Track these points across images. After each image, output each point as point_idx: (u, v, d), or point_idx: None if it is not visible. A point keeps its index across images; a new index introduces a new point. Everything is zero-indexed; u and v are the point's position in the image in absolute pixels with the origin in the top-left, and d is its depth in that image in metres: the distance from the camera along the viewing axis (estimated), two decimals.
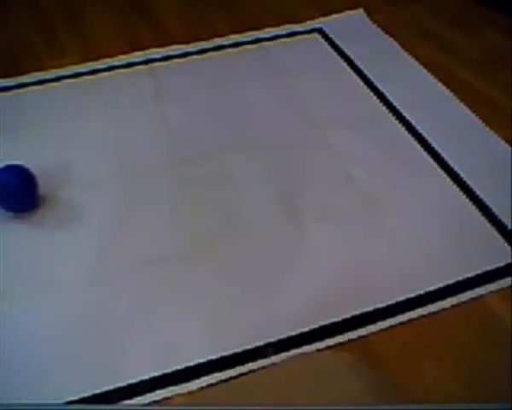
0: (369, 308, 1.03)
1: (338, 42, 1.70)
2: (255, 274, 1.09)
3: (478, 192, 1.23)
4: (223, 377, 0.93)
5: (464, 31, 1.74)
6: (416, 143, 1.35)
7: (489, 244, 1.13)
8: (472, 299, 1.05)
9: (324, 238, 1.15)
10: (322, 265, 1.10)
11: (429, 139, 1.36)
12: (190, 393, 0.92)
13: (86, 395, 0.92)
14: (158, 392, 0.92)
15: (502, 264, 1.10)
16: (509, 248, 1.12)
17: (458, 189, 1.24)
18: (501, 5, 1.79)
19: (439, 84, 1.53)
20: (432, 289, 1.06)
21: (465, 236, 1.15)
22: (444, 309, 1.03)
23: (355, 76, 1.57)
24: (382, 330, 1.00)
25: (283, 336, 0.99)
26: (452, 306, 1.03)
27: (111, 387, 0.93)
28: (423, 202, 1.22)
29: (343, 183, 1.27)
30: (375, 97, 1.50)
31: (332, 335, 0.99)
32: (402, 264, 1.10)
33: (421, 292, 1.05)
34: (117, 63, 1.64)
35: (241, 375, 0.93)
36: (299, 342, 0.98)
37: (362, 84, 1.54)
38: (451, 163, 1.30)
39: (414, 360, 0.96)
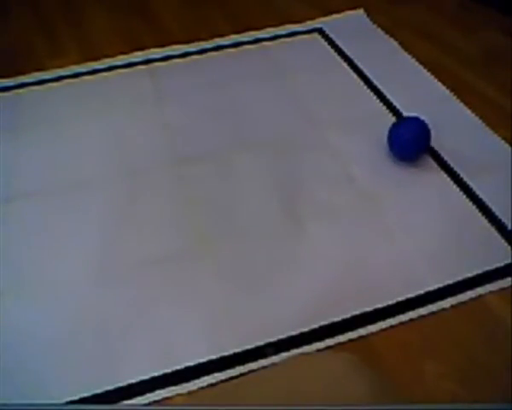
0: (369, 308, 1.03)
1: (338, 42, 1.70)
2: (255, 274, 1.09)
3: (478, 192, 1.23)
4: (223, 377, 0.93)
5: (464, 30, 1.74)
6: None
7: (489, 244, 1.13)
8: (472, 299, 1.05)
9: (324, 238, 1.15)
10: (322, 265, 1.10)
11: None
12: (190, 393, 0.92)
13: (86, 395, 0.92)
14: (158, 392, 0.92)
15: (502, 264, 1.10)
16: (509, 248, 1.12)
17: (458, 189, 1.25)
18: (500, 5, 1.79)
19: (439, 84, 1.53)
20: (432, 289, 1.06)
21: (465, 236, 1.15)
22: (444, 309, 1.03)
23: (355, 76, 1.57)
24: (382, 330, 1.00)
25: (283, 336, 0.99)
26: (452, 306, 1.03)
27: (111, 387, 0.93)
28: (423, 201, 1.22)
29: (343, 183, 1.27)
30: (374, 97, 1.50)
31: (332, 335, 0.99)
32: (402, 264, 1.10)
33: (421, 292, 1.05)
34: (117, 63, 1.64)
35: (241, 375, 0.93)
36: (299, 342, 0.98)
37: (362, 84, 1.54)
38: (451, 163, 1.30)
39: (414, 359, 0.96)
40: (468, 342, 0.98)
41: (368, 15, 1.82)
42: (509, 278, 1.07)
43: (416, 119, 1.28)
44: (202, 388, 0.92)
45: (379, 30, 1.75)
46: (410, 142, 1.28)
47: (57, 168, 1.32)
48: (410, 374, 0.94)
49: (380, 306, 1.03)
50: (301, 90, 1.54)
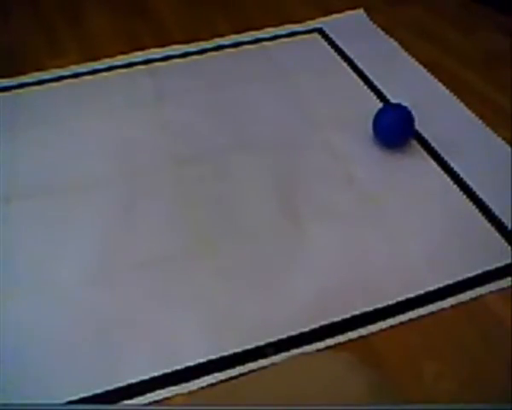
0: (369, 308, 1.03)
1: (338, 42, 1.70)
2: (255, 274, 1.09)
3: (478, 192, 1.23)
4: (223, 377, 0.93)
5: (464, 30, 1.74)
6: (415, 142, 1.36)
7: (489, 244, 1.13)
8: (472, 299, 1.05)
9: (324, 238, 1.15)
10: (323, 265, 1.10)
11: (429, 139, 1.36)
12: (190, 393, 0.92)
13: (86, 395, 0.92)
14: (158, 392, 0.92)
15: (502, 264, 1.10)
16: (509, 248, 1.12)
17: (458, 189, 1.25)
18: (500, 5, 1.79)
19: (439, 84, 1.53)
20: (432, 289, 1.06)
21: (465, 236, 1.15)
22: (444, 309, 1.03)
23: (355, 76, 1.57)
24: (382, 330, 1.00)
25: (283, 336, 0.99)
26: (452, 306, 1.03)
27: (111, 387, 0.93)
28: (423, 201, 1.22)
29: (343, 183, 1.27)
30: (375, 97, 1.50)
31: (332, 335, 0.99)
32: (402, 264, 1.10)
33: (421, 292, 1.05)
34: (117, 63, 1.64)
35: (241, 375, 0.93)
36: (299, 342, 0.98)
37: (362, 84, 1.54)
38: (451, 163, 1.30)
39: (414, 360, 0.96)
40: (468, 342, 0.98)
41: (368, 15, 1.81)
42: (509, 278, 1.07)
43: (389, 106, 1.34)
44: (202, 388, 0.92)
45: (379, 30, 1.75)
46: (393, 125, 1.31)
47: (57, 168, 1.32)
48: (410, 374, 0.94)
49: (380, 306, 1.03)
50: (301, 90, 1.54)
